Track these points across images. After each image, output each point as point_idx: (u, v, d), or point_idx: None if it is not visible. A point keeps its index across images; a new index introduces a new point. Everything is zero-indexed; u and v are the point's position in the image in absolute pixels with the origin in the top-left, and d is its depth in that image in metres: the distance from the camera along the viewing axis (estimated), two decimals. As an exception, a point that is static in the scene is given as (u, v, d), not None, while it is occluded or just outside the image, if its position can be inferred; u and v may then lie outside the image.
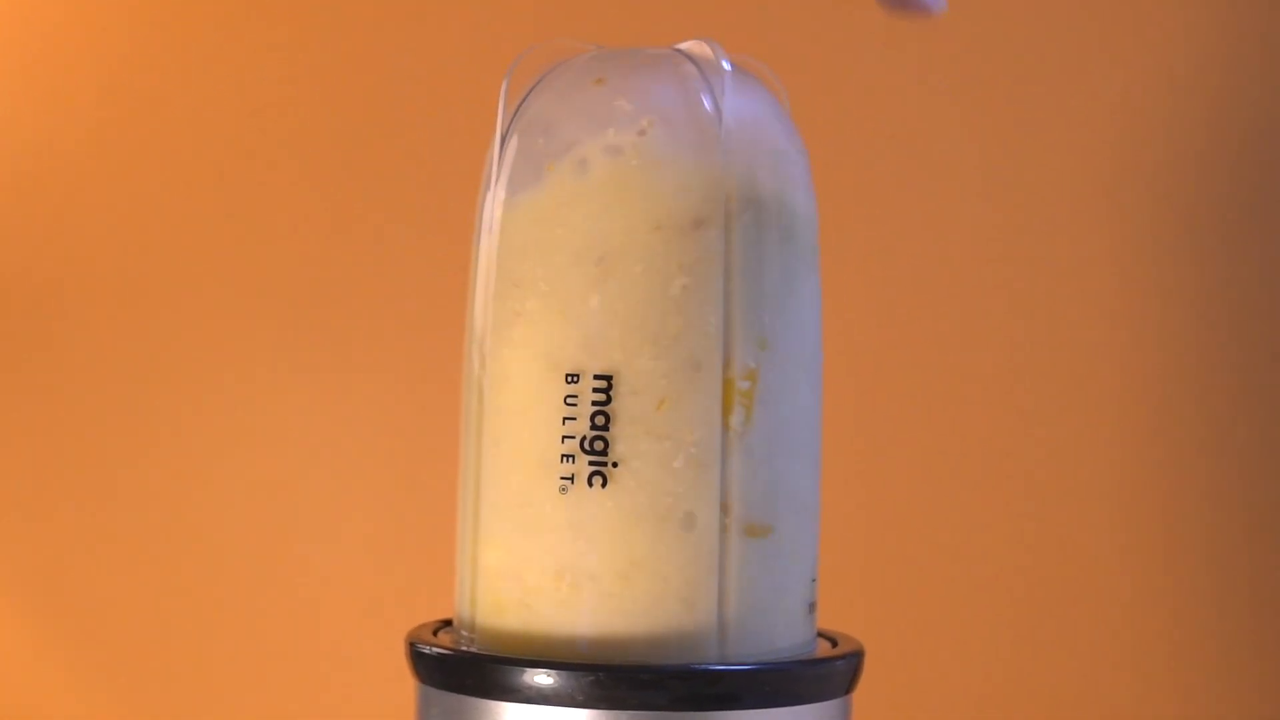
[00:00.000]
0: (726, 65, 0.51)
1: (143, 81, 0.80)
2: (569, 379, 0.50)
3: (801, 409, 0.52)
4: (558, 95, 0.52)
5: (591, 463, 0.50)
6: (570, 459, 0.50)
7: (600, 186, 0.50)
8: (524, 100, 0.53)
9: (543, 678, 0.49)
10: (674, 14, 0.77)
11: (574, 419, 0.50)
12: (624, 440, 0.50)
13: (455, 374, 0.54)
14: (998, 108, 0.77)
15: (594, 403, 0.50)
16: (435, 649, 0.51)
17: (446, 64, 0.79)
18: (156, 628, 0.79)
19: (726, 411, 0.50)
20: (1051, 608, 0.76)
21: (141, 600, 0.79)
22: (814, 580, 0.53)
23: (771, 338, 0.51)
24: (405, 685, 0.53)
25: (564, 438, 0.50)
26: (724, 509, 0.50)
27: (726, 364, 0.50)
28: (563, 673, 0.49)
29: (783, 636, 0.51)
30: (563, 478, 0.50)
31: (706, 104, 0.51)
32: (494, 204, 0.52)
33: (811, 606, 0.53)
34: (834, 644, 0.53)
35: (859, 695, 0.54)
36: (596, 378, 0.50)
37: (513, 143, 0.52)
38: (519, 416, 0.51)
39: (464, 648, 0.51)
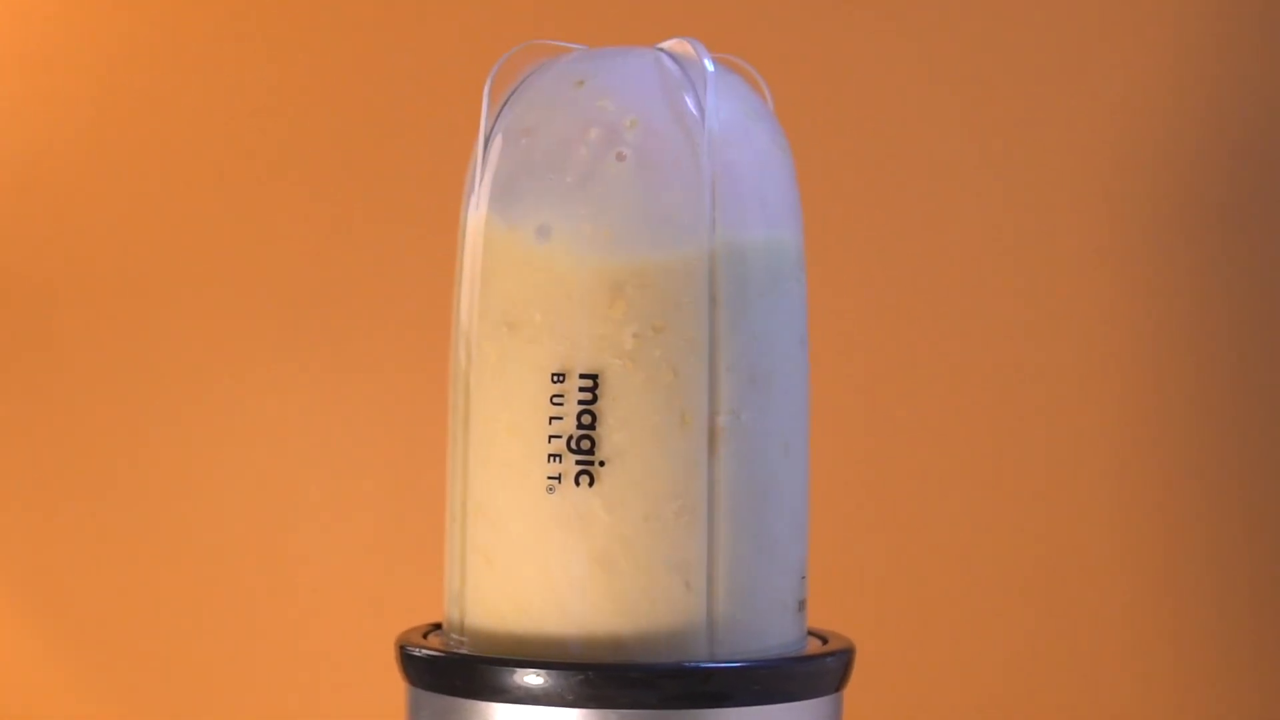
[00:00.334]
0: (709, 65, 0.51)
1: (142, 81, 0.80)
2: (555, 378, 0.50)
3: (790, 407, 0.52)
4: (541, 95, 0.52)
5: (579, 462, 0.50)
6: (557, 458, 0.50)
7: (580, 187, 0.50)
8: (506, 101, 0.53)
9: (532, 678, 0.49)
10: (656, 13, 0.77)
11: (560, 418, 0.50)
12: (611, 439, 0.50)
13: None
14: (992, 106, 0.77)
15: (580, 401, 0.50)
16: (424, 651, 0.51)
17: (445, 64, 0.79)
18: (155, 627, 0.79)
19: (714, 409, 0.50)
20: (1050, 607, 0.76)
21: (140, 599, 0.79)
22: (804, 578, 0.53)
23: (757, 336, 0.51)
24: (400, 684, 0.53)
25: (551, 437, 0.50)
26: (712, 506, 0.50)
27: (713, 362, 0.50)
28: (552, 672, 0.49)
29: (773, 634, 0.51)
30: (550, 477, 0.50)
31: (690, 104, 0.51)
32: (478, 204, 0.52)
33: (801, 604, 0.53)
34: (824, 642, 0.53)
35: (855, 694, 0.54)
36: (583, 376, 0.50)
37: (496, 144, 0.52)
38: (505, 415, 0.51)
39: (453, 650, 0.51)
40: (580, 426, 0.50)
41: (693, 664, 0.49)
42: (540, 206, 0.51)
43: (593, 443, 0.50)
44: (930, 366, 0.77)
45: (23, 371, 0.80)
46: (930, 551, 0.77)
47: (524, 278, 0.51)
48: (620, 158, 0.50)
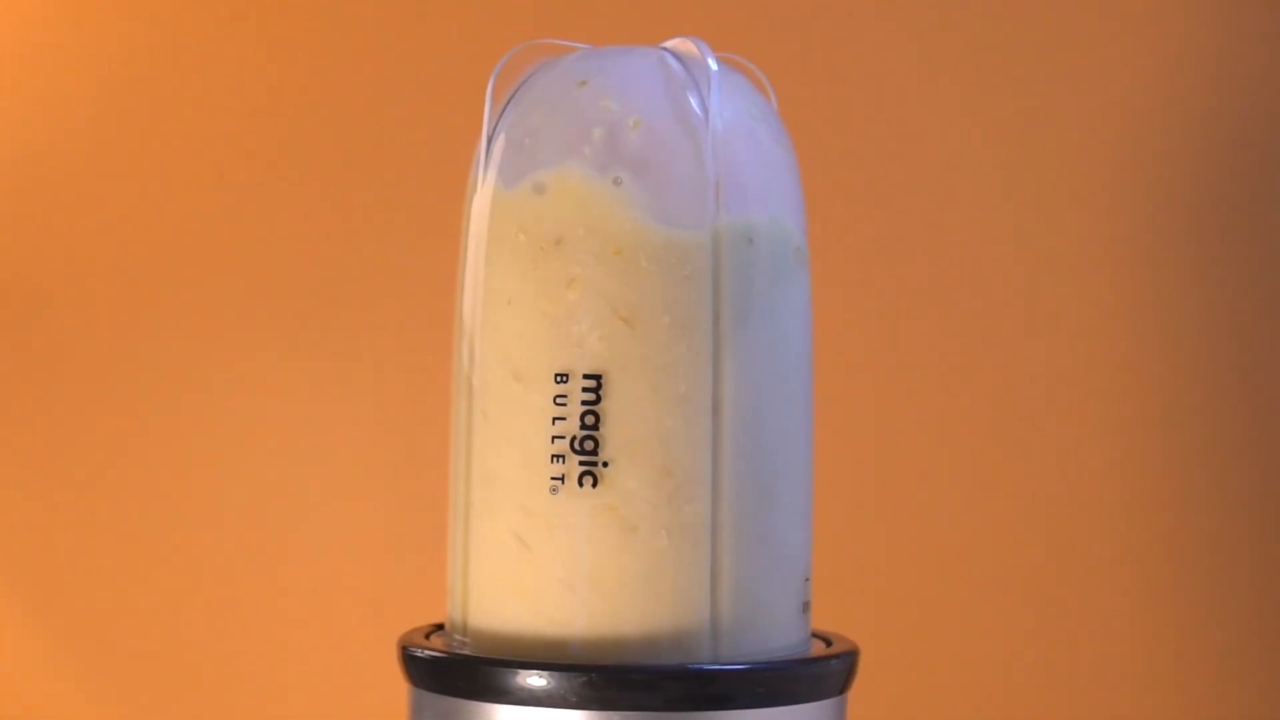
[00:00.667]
0: (713, 64, 0.51)
1: (142, 81, 0.80)
2: (558, 379, 0.50)
3: (795, 407, 0.52)
4: (543, 95, 0.52)
5: (582, 463, 0.50)
6: (560, 459, 0.50)
7: (584, 186, 0.50)
8: (509, 100, 0.52)
9: (535, 679, 0.49)
10: (660, 12, 0.77)
11: (564, 419, 0.50)
12: (615, 440, 0.50)
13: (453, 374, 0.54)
14: (995, 106, 0.77)
15: (584, 402, 0.50)
16: (427, 652, 0.51)
17: (446, 63, 0.79)
18: (155, 627, 0.79)
19: (718, 410, 0.50)
20: (1053, 608, 0.76)
21: (140, 599, 0.79)
22: (807, 580, 0.53)
23: (762, 336, 0.51)
24: (404, 686, 0.53)
25: (554, 438, 0.50)
26: (716, 508, 0.50)
27: (717, 365, 0.50)
28: (555, 674, 0.48)
29: (776, 636, 0.51)
30: (553, 478, 0.50)
31: (693, 103, 0.51)
32: (481, 203, 0.52)
33: (805, 606, 0.53)
34: (828, 644, 0.53)
35: (858, 696, 0.54)
36: (586, 377, 0.50)
37: (499, 143, 0.52)
38: (508, 416, 0.51)
39: (456, 651, 0.51)
40: (584, 427, 0.50)
41: (696, 666, 0.49)
42: (544, 208, 0.51)
43: (596, 443, 0.50)
44: (933, 365, 0.77)
45: (22, 371, 0.80)
46: (933, 552, 0.77)
47: (528, 276, 0.51)
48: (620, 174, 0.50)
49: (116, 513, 0.80)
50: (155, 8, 0.80)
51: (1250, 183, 0.76)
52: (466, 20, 0.79)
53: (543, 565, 0.50)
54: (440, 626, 0.54)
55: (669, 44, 0.53)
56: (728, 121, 0.51)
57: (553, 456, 0.50)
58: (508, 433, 0.51)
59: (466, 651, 0.51)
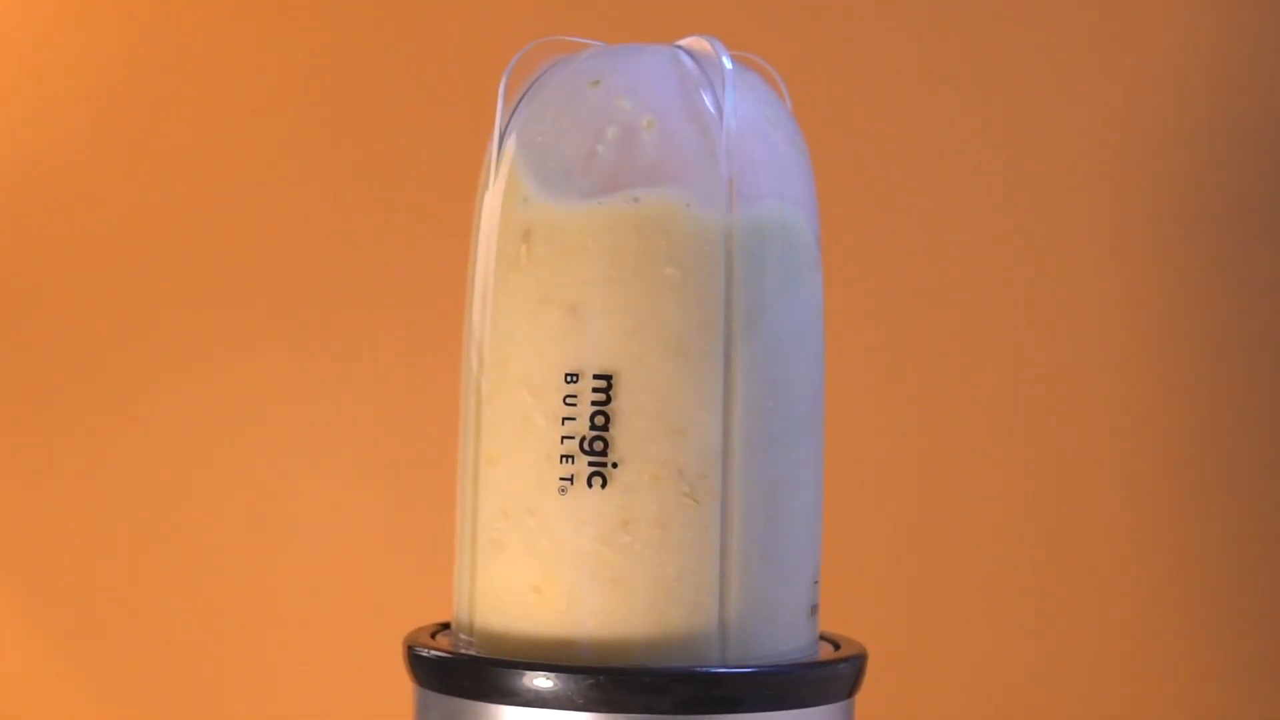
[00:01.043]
0: (727, 62, 0.51)
1: (140, 80, 0.80)
2: (568, 379, 0.50)
3: (803, 410, 0.52)
4: (556, 94, 0.52)
5: (591, 463, 0.50)
6: (570, 459, 0.50)
7: (596, 188, 0.50)
8: (522, 98, 0.52)
9: (542, 681, 0.48)
10: (675, 10, 0.77)
11: (573, 419, 0.50)
12: (624, 441, 0.50)
13: (457, 375, 0.54)
14: (1004, 105, 0.77)
15: (594, 403, 0.50)
16: (433, 652, 0.51)
17: (448, 62, 0.79)
18: (155, 627, 0.79)
19: (729, 412, 0.50)
20: (1060, 609, 0.76)
21: (140, 599, 0.79)
22: (816, 583, 0.53)
23: (775, 336, 0.51)
24: (406, 686, 0.53)
25: (563, 438, 0.50)
26: (725, 511, 0.50)
27: (728, 365, 0.50)
28: (563, 676, 0.48)
29: (784, 639, 0.51)
30: (562, 479, 0.50)
31: (707, 102, 0.51)
32: (492, 202, 0.52)
33: (814, 609, 0.52)
34: (836, 647, 0.53)
35: (864, 699, 0.53)
36: (596, 377, 0.50)
37: (511, 141, 0.52)
38: (517, 417, 0.50)
39: (462, 651, 0.51)
40: (593, 428, 0.50)
41: (704, 669, 0.49)
42: (555, 208, 0.50)
43: (605, 444, 0.50)
44: (936, 365, 0.77)
45: (21, 370, 0.80)
46: (937, 553, 0.76)
47: (539, 280, 0.50)
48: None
49: (115, 513, 0.79)
50: (155, 7, 0.80)
51: (1259, 181, 0.76)
52: (474, 18, 0.79)
53: (551, 566, 0.50)
54: (446, 626, 0.54)
55: (683, 42, 0.52)
56: (742, 120, 0.51)
57: (562, 457, 0.50)
58: (516, 433, 0.50)
59: (473, 652, 0.51)
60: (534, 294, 0.50)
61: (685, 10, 0.77)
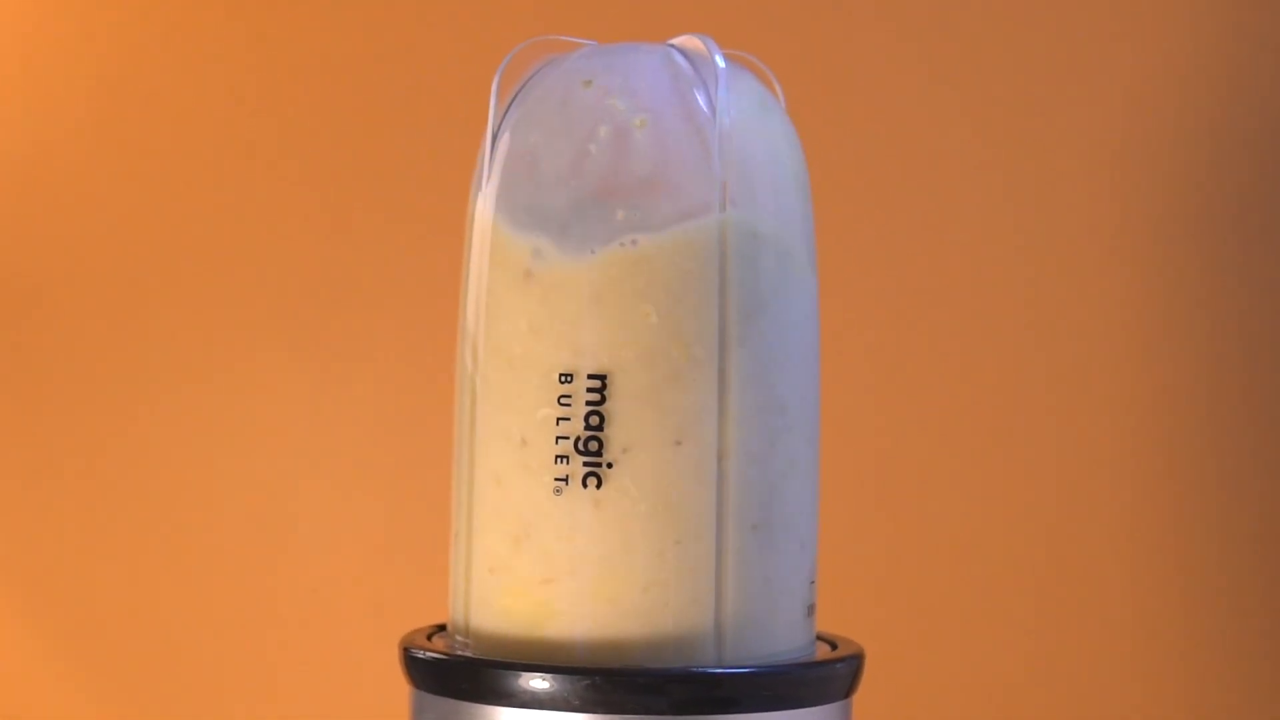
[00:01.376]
0: (721, 61, 0.51)
1: (140, 79, 0.80)
2: (563, 378, 0.50)
3: (799, 410, 0.52)
4: (548, 93, 0.52)
5: (586, 464, 0.49)
6: (565, 460, 0.50)
7: (589, 187, 0.50)
8: (515, 97, 0.52)
9: (539, 682, 0.48)
10: (668, 9, 0.77)
11: (568, 419, 0.50)
12: (619, 441, 0.49)
13: (453, 375, 0.53)
14: (1002, 105, 0.77)
15: (588, 403, 0.49)
16: (429, 653, 0.51)
17: (448, 61, 0.78)
18: (154, 627, 0.79)
19: (724, 411, 0.50)
20: (1059, 610, 0.76)
21: (139, 600, 0.79)
22: (813, 583, 0.52)
23: (769, 335, 0.50)
24: (406, 687, 0.52)
25: (558, 438, 0.50)
26: (721, 510, 0.50)
27: (723, 364, 0.50)
28: (559, 677, 0.48)
29: (781, 640, 0.51)
30: (557, 479, 0.50)
31: (701, 101, 0.50)
32: (486, 202, 0.52)
33: (810, 609, 0.52)
34: (834, 647, 0.53)
35: (863, 699, 0.53)
36: (591, 377, 0.50)
37: (503, 142, 0.52)
38: (512, 416, 0.50)
39: (458, 652, 0.51)
40: (588, 428, 0.49)
41: (701, 669, 0.49)
42: (548, 206, 0.50)
43: (600, 444, 0.49)
44: (935, 366, 0.76)
45: (20, 370, 0.80)
46: (938, 554, 0.76)
47: (532, 278, 0.50)
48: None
49: (114, 513, 0.79)
50: (154, 7, 0.80)
51: (1260, 181, 0.75)
52: (469, 17, 0.78)
53: (546, 567, 0.50)
54: (442, 627, 0.54)
55: (676, 41, 0.52)
56: (735, 120, 0.50)
57: (557, 457, 0.50)
58: (511, 433, 0.50)
59: (469, 653, 0.51)
60: (528, 293, 0.50)
61: (678, 9, 0.76)
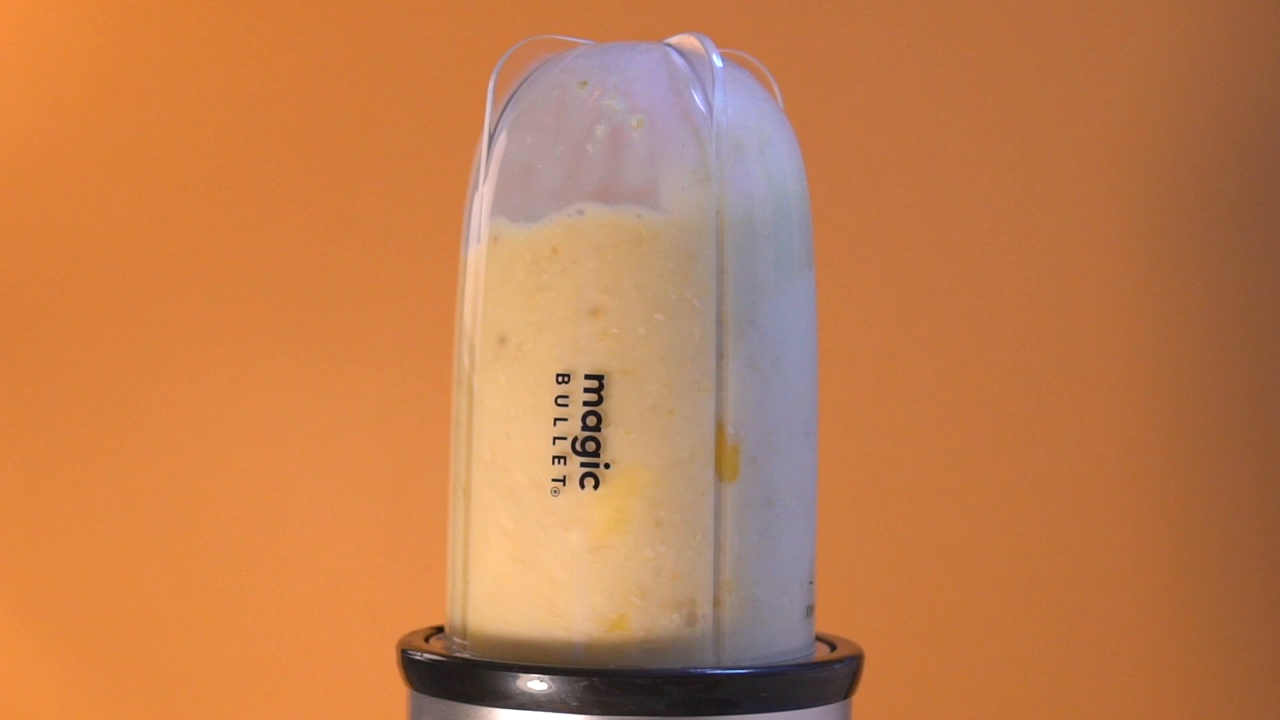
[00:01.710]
0: (717, 60, 0.51)
1: (137, 79, 0.80)
2: (560, 379, 0.50)
3: (797, 410, 0.51)
4: (545, 93, 0.51)
5: (584, 464, 0.49)
6: (562, 460, 0.49)
7: (586, 186, 0.50)
8: (511, 97, 0.52)
9: (536, 683, 0.48)
10: (665, 8, 0.77)
11: (565, 419, 0.49)
12: (617, 441, 0.49)
13: (450, 374, 0.53)
14: (1003, 104, 0.77)
15: (586, 403, 0.49)
16: (426, 655, 0.51)
17: (446, 60, 0.78)
18: (151, 628, 0.79)
19: (722, 412, 0.50)
20: (1060, 610, 0.76)
21: (136, 601, 0.79)
22: (812, 583, 0.52)
23: (767, 336, 0.50)
24: (403, 688, 0.52)
25: (555, 439, 0.50)
26: (719, 510, 0.50)
27: (721, 364, 0.50)
28: (557, 678, 0.48)
29: (780, 640, 0.51)
30: (555, 479, 0.50)
31: (698, 101, 0.50)
32: (483, 202, 0.51)
33: (809, 610, 0.52)
34: (833, 648, 0.53)
35: (862, 700, 0.53)
36: (588, 377, 0.49)
37: (500, 142, 0.52)
38: (509, 417, 0.50)
39: (456, 654, 0.51)
40: (585, 428, 0.49)
41: (699, 670, 0.49)
42: (546, 206, 0.50)
43: (598, 445, 0.49)
44: (938, 366, 0.76)
45: (18, 370, 0.80)
46: (938, 554, 0.76)
47: (529, 278, 0.50)
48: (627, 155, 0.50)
49: (113, 513, 0.79)
50: (153, 7, 0.80)
51: (1260, 181, 0.75)
52: (466, 17, 0.78)
53: (544, 568, 0.50)
54: (439, 629, 0.54)
55: (673, 40, 0.52)
56: (732, 119, 0.50)
57: (554, 458, 0.50)
58: (508, 434, 0.50)
59: (466, 655, 0.51)
60: (525, 293, 0.50)
61: (675, 8, 0.76)
